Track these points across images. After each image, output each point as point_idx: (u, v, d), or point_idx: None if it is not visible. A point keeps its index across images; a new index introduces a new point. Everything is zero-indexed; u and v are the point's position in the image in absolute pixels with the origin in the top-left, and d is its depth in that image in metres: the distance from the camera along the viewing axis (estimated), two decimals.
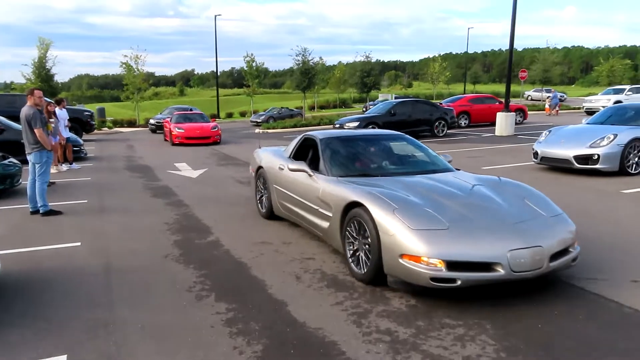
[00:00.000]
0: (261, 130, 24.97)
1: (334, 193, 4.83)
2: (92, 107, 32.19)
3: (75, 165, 12.57)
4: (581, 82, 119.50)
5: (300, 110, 35.10)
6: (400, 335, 3.39)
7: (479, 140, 16.45)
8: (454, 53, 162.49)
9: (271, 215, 6.57)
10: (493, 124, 21.75)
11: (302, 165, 5.47)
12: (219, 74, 48.46)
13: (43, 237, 6.09)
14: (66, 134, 12.40)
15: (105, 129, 29.27)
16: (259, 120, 31.84)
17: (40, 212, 7.21)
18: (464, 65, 73.67)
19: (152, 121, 27.52)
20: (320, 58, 35.05)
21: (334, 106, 45.97)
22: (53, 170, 11.74)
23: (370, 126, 16.97)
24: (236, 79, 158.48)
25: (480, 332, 3.39)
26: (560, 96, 46.43)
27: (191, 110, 26.67)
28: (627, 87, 30.63)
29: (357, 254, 4.43)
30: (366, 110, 40.39)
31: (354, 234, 4.45)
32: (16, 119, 15.78)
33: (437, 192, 4.59)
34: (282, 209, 6.22)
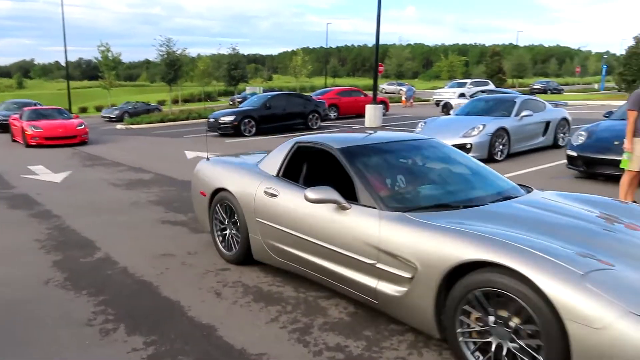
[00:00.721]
0: (124, 126, 22.97)
1: (418, 242, 2.93)
2: None
3: None
4: (423, 76, 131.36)
5: (157, 105, 33.04)
6: (353, 351, 3.13)
7: (352, 132, 16.93)
8: (310, 47, 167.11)
9: (247, 259, 4.53)
10: (360, 115, 22.71)
11: (332, 194, 3.44)
12: (63, 64, 43.60)
13: None
14: None
15: None
16: (112, 116, 29.37)
17: None
18: (322, 59, 76.15)
19: None
20: (185, 49, 33.46)
21: (199, 99, 44.26)
22: None
23: (246, 120, 16.50)
24: (85, 71, 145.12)
25: (430, 337, 3.27)
26: (405, 89, 50.48)
27: (36, 105, 23.51)
28: (468, 80, 34.32)
29: None
30: (233, 103, 39.60)
31: (486, 322, 2.63)
32: None
33: (576, 231, 3.02)
34: (273, 253, 4.17)
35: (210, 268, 4.64)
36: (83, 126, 16.71)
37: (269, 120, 16.93)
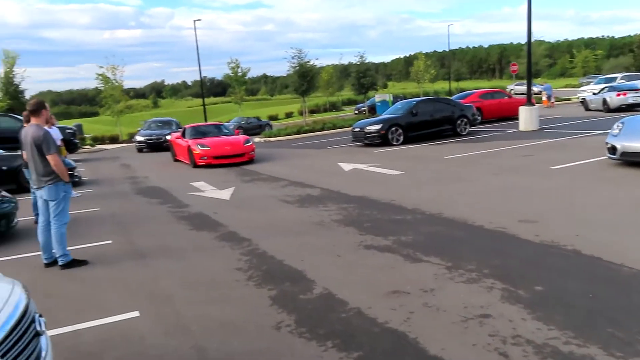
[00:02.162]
0: (262, 139, 23.27)
1: None
2: (67, 124, 29.93)
3: (74, 193, 10.70)
4: (546, 74, 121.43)
5: (268, 121, 33.35)
6: None
7: (508, 137, 15.13)
8: (424, 52, 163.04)
9: None
10: (505, 119, 20.73)
11: None
12: (190, 83, 46.33)
13: (78, 304, 4.39)
14: None
15: (87, 147, 27.10)
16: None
17: (59, 263, 5.46)
18: (438, 64, 73.23)
19: (139, 138, 22.98)
20: (316, 59, 33.71)
21: (325, 110, 44.52)
22: None
23: (394, 128, 15.51)
24: (210, 88, 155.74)
25: None
26: (543, 89, 46.23)
27: (176, 122, 24.70)
28: (619, 75, 30.28)
29: None
30: (359, 112, 39.05)
31: None
32: None
33: None
34: None
35: (466, 313, 3.60)
36: (250, 142, 15.09)
37: (416, 128, 15.80)
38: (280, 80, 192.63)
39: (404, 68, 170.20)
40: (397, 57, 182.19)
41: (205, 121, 33.75)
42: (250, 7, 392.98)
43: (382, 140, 15.37)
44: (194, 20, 33.81)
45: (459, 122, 16.58)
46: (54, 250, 5.49)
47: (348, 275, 4.63)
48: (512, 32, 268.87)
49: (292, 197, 8.76)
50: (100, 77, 31.93)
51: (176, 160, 16.61)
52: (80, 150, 23.65)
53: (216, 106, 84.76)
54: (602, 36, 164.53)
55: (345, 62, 44.70)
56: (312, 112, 42.25)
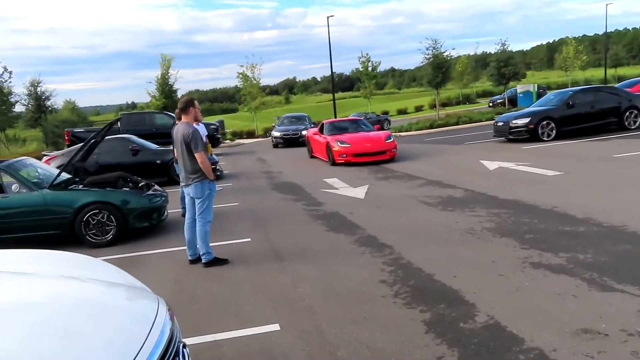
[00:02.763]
0: (393, 134, 22.60)
1: None
2: (210, 120, 32.12)
3: (217, 187, 11.11)
4: None
5: (387, 116, 32.11)
6: None
7: None
8: (571, 37, 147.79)
9: None
10: None
11: None
12: (319, 79, 46.94)
13: (219, 309, 4.21)
14: None
15: (227, 141, 28.77)
16: None
17: (203, 261, 5.43)
18: (592, 48, 65.56)
19: (275, 133, 22.84)
20: (453, 49, 32.04)
21: (457, 102, 42.39)
22: None
23: (545, 122, 13.87)
24: (338, 83, 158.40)
25: None
26: None
27: (304, 116, 24.91)
28: None
29: None
30: (493, 105, 36.48)
31: None
32: (145, 138, 15.23)
33: None
34: None
35: None
36: (392, 139, 13.72)
37: (572, 122, 13.96)
38: (408, 73, 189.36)
39: (545, 55, 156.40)
40: (538, 44, 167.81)
41: (335, 116, 34.00)
42: (381, 1, 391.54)
43: (530, 135, 13.82)
44: (327, 17, 34.07)
45: (627, 114, 14.30)
46: (198, 247, 5.48)
47: (517, 301, 3.86)
48: None
49: (433, 198, 8.04)
50: (241, 76, 33.71)
51: (313, 157, 16.00)
52: (221, 145, 25.14)
53: (344, 101, 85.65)
54: None
55: (480, 51, 41.97)
56: (443, 105, 40.35)
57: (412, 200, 8.12)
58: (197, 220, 5.38)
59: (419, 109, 46.15)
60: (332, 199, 8.84)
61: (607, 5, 51.25)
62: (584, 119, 14.10)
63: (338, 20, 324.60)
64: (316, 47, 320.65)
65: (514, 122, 14.21)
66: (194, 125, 10.09)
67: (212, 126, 20.74)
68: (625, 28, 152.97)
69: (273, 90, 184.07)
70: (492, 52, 29.76)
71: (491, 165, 10.78)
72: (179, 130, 5.30)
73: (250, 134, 33.24)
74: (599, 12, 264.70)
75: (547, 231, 5.64)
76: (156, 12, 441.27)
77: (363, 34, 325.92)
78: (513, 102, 31.25)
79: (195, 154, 5.16)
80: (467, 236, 5.73)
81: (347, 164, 13.18)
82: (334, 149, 13.41)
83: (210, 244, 5.56)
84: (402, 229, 6.31)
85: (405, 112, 46.50)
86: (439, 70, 24.27)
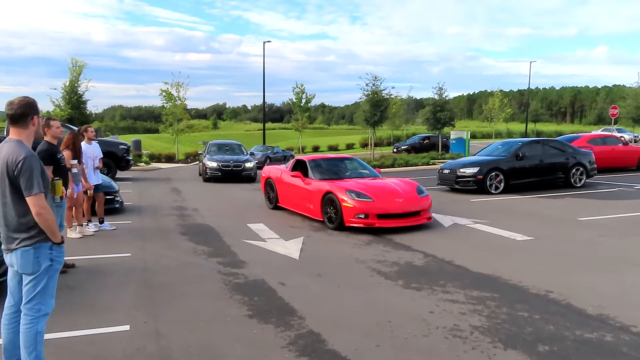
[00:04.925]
0: None
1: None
2: (127, 139, 28.92)
3: (107, 225, 8.66)
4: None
5: (291, 152, 30.78)
6: None
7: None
8: (489, 91, 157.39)
9: None
10: (618, 169, 17.48)
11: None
12: (249, 107, 45.13)
13: None
14: (96, 179, 8.57)
15: (142, 164, 25.80)
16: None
17: None
18: (509, 104, 69.12)
19: (211, 164, 17.45)
20: (392, 87, 31.48)
21: (388, 144, 42.01)
22: (74, 234, 7.86)
23: (494, 173, 12.77)
24: (268, 114, 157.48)
25: None
26: (635, 136, 41.63)
27: (238, 145, 21.24)
28: None
29: None
30: (397, 151, 34.78)
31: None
32: None
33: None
34: None
35: None
36: (425, 193, 9.04)
37: (521, 175, 13.01)
38: (338, 110, 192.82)
39: (465, 105, 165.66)
40: (460, 94, 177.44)
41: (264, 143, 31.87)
42: (315, 37, 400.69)
43: (477, 186, 12.65)
44: (264, 42, 32.59)
45: (574, 170, 13.61)
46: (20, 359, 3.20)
47: None
48: (584, 75, 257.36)
49: (387, 265, 6.24)
50: (164, 93, 30.95)
51: (277, 208, 10.84)
52: (133, 168, 22.18)
53: (274, 132, 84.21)
54: None
55: (415, 95, 42.08)
56: (375, 145, 39.73)
57: (362, 267, 6.26)
58: (23, 313, 3.13)
59: (349, 146, 45.36)
60: (257, 256, 6.79)
61: (530, 62, 54.40)
62: (533, 172, 13.21)
63: (272, 51, 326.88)
64: (249, 76, 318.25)
65: (461, 170, 13.00)
66: (83, 143, 7.53)
67: (123, 146, 18.01)
68: (537, 87, 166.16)
69: (201, 114, 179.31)
70: (427, 97, 29.48)
71: (444, 220, 9.25)
72: (2, 152, 3.08)
73: (170, 158, 30.41)
74: (512, 70, 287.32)
75: (564, 338, 3.97)
76: (83, 21, 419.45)
77: (296, 68, 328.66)
78: (417, 149, 29.88)
79: (27, 199, 2.98)
80: (456, 344, 3.91)
81: (374, 231, 8.39)
82: (345, 204, 8.33)
83: (60, 335, 3.33)
84: (358, 323, 4.38)
85: (336, 149, 45.52)
86: (377, 108, 23.18)
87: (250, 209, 11.12)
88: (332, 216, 8.69)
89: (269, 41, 34.27)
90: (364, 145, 38.76)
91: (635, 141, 29.93)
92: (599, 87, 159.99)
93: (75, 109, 25.05)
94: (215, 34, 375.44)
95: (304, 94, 35.17)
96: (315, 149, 44.49)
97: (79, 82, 25.50)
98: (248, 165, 17.76)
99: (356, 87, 22.52)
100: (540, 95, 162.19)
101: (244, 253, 6.94)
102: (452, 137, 27.54)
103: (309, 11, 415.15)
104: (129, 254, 6.83)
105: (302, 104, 35.69)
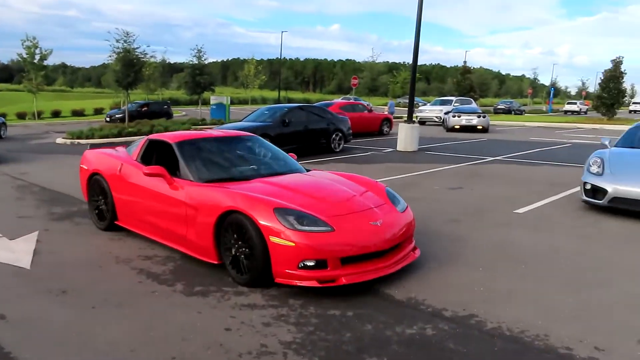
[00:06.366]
0: (68, 141, 17.64)
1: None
2: None
3: None
4: (357, 91, 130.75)
5: (3, 118, 25.57)
6: None
7: (393, 159, 13.18)
8: (242, 58, 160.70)
9: None
10: (367, 134, 19.27)
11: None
12: None
13: None
14: None
15: None
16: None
17: None
18: (270, 71, 71.95)
19: None
20: (148, 46, 27.98)
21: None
22: None
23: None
24: None
25: None
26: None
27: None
28: (453, 98, 31.85)
29: None
30: (110, 120, 30.78)
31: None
32: None
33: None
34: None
35: None
36: (403, 203, 5.14)
37: (289, 141, 12.82)
38: (82, 71, 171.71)
39: (220, 72, 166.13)
40: (213, 60, 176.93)
41: None
42: None
43: None
44: None
45: (334, 136, 14.13)
46: None
47: None
48: (323, 49, 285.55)
49: (158, 262, 4.94)
50: None
51: (115, 228, 5.97)
52: None
53: (1, 93, 69.91)
54: (405, 62, 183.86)
55: (169, 60, 39.41)
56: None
57: (126, 269, 4.81)
58: None
59: (99, 111, 40.21)
60: None
61: (282, 32, 56.53)
62: (300, 138, 13.21)
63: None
64: None
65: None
66: None
67: None
68: (284, 57, 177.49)
69: None
70: (182, 62, 27.69)
71: None
72: None
73: None
74: (261, 40, 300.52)
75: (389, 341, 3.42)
76: None
77: (30, 21, 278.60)
78: (135, 116, 25.22)
79: None
80: None
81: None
82: (276, 239, 4.05)
83: None
84: None
85: (82, 114, 39.84)
86: (131, 68, 20.38)
87: None
88: (242, 262, 4.34)
89: None
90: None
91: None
92: (335, 60, 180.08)
93: None
94: None
95: (37, 48, 29.29)
96: (56, 114, 38.01)
97: None
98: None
99: (104, 46, 19.41)
100: (287, 65, 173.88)
101: None
102: (212, 102, 26.44)
103: None
104: None
105: (35, 61, 29.75)
